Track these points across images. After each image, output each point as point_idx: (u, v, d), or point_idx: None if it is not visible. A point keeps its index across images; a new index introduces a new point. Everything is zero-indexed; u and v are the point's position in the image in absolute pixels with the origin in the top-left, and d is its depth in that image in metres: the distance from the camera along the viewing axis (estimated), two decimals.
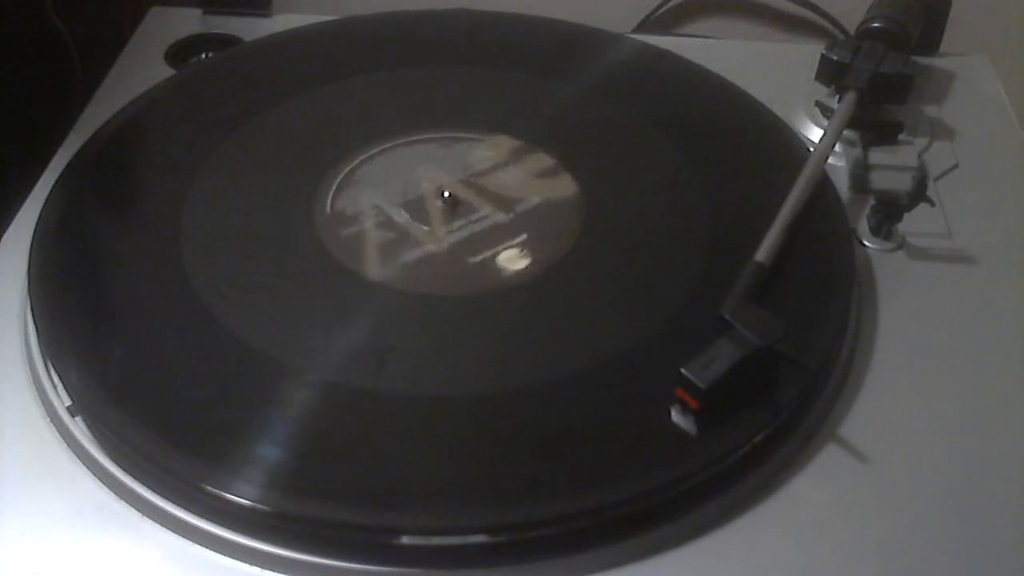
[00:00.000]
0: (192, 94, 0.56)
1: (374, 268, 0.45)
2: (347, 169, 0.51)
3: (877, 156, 0.52)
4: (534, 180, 0.50)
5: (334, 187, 0.50)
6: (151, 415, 0.39)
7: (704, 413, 0.37)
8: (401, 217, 0.48)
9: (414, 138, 0.53)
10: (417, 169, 0.51)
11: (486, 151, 0.52)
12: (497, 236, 0.47)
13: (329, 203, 0.49)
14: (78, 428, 0.40)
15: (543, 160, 0.51)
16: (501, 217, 0.48)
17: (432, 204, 0.49)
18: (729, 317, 0.39)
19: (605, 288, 0.45)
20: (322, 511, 0.36)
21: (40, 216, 0.48)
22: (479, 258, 0.46)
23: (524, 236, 0.47)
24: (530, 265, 0.46)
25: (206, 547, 0.36)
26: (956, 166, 0.53)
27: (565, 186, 0.50)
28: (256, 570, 0.36)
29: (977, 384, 0.42)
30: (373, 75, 0.57)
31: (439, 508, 0.36)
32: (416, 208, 0.49)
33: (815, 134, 0.54)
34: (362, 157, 0.52)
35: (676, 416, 0.38)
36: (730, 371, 0.37)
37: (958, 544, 0.37)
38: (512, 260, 0.46)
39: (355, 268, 0.45)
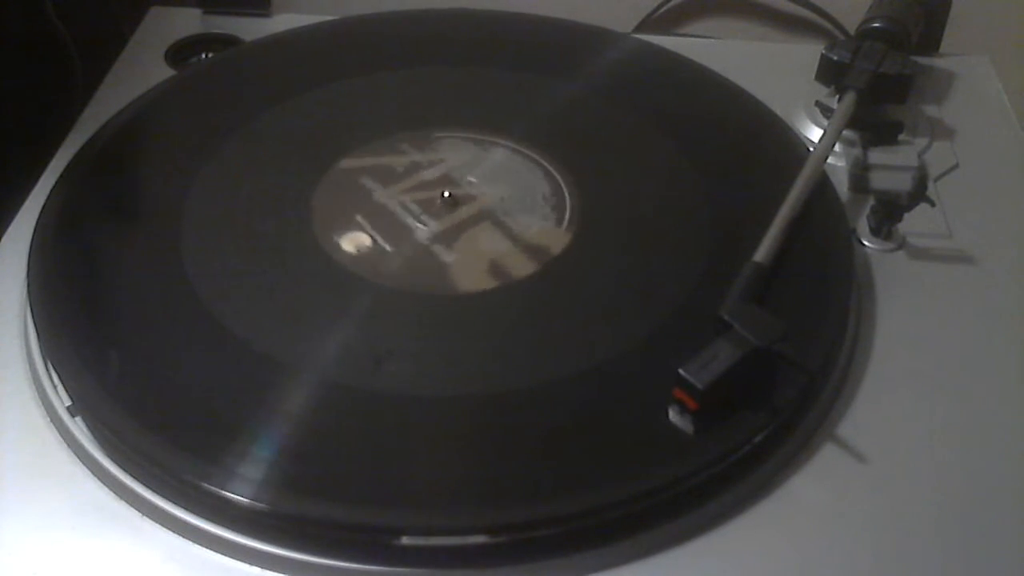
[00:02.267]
0: (192, 94, 0.56)
1: (377, 268, 0.45)
2: (347, 169, 0.51)
3: (877, 156, 0.52)
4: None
5: (334, 187, 0.50)
6: (151, 415, 0.39)
7: (702, 413, 0.37)
8: (403, 217, 0.48)
9: (413, 138, 0.53)
10: (417, 168, 0.51)
11: (478, 150, 0.52)
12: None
13: (329, 203, 0.49)
14: (78, 428, 0.40)
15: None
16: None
17: (433, 205, 0.49)
18: (728, 317, 0.39)
19: (604, 288, 0.45)
20: (322, 511, 0.36)
21: (40, 216, 0.48)
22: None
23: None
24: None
25: (206, 547, 0.36)
26: (956, 166, 0.53)
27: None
28: (256, 570, 0.36)
29: (976, 384, 0.42)
30: (373, 75, 0.57)
31: (439, 508, 0.36)
32: (416, 209, 0.49)
33: (815, 134, 0.54)
34: (362, 156, 0.52)
35: (674, 416, 0.38)
36: (728, 371, 0.37)
37: (957, 544, 0.37)
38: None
39: (355, 268, 0.45)
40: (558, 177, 0.50)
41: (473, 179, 0.50)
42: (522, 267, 0.45)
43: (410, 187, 0.50)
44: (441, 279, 0.45)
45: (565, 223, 0.48)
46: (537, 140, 0.52)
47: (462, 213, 0.49)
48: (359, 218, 0.48)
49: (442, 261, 0.46)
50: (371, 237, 0.47)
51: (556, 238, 0.47)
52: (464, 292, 0.44)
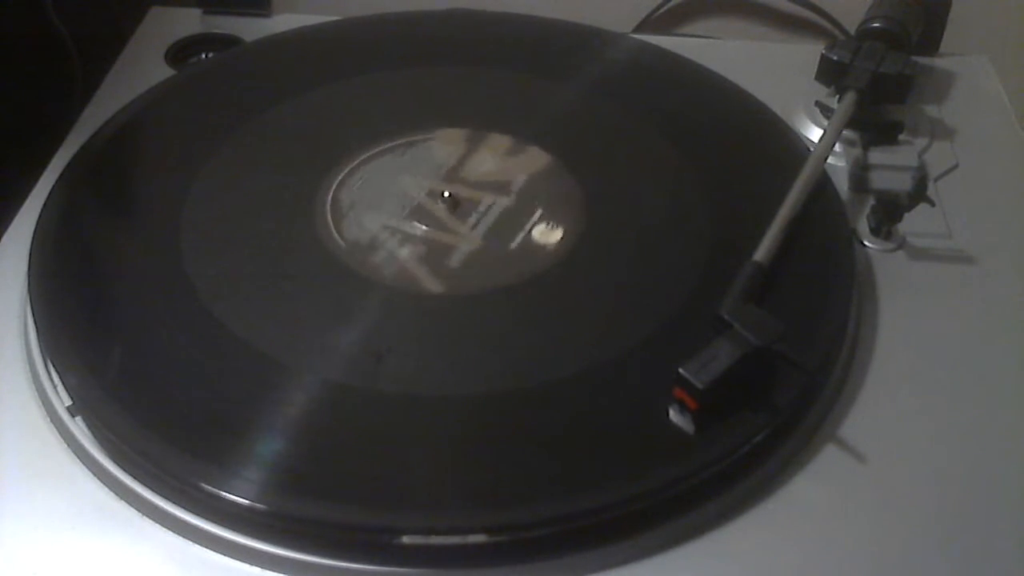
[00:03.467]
0: (192, 94, 0.56)
1: (376, 265, 0.45)
2: (347, 169, 0.51)
3: (877, 156, 0.52)
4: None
5: (334, 187, 0.50)
6: (151, 415, 0.39)
7: (702, 413, 0.37)
8: (404, 215, 0.48)
9: (413, 138, 0.53)
10: (418, 168, 0.51)
11: (478, 150, 0.52)
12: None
13: (329, 203, 0.49)
14: (78, 428, 0.40)
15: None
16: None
17: (433, 204, 0.49)
18: (727, 317, 0.39)
19: (605, 288, 0.45)
20: (322, 511, 0.36)
21: (40, 216, 0.48)
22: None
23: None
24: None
25: (206, 547, 0.36)
26: (956, 166, 0.53)
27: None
28: (256, 570, 0.36)
29: (977, 384, 0.42)
30: (373, 75, 0.57)
31: (439, 508, 0.36)
32: (417, 208, 0.49)
33: (815, 134, 0.54)
34: (362, 156, 0.52)
35: (674, 415, 0.38)
36: (728, 371, 0.37)
37: (957, 544, 0.37)
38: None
39: (356, 268, 0.45)
40: (558, 177, 0.50)
41: (473, 179, 0.50)
42: (522, 267, 0.45)
43: (410, 186, 0.50)
44: (441, 279, 0.45)
45: (565, 223, 0.48)
46: (537, 140, 0.52)
47: (461, 212, 0.48)
48: (359, 216, 0.48)
49: (442, 261, 0.46)
50: (371, 231, 0.47)
51: (556, 238, 0.47)
52: (464, 292, 0.44)
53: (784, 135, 0.53)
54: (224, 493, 0.36)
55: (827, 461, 0.39)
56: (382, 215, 0.48)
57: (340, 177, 0.50)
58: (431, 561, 0.36)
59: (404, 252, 0.46)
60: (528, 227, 0.48)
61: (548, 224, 0.48)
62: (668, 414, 0.38)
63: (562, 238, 0.47)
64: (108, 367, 0.41)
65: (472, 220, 0.48)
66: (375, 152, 0.52)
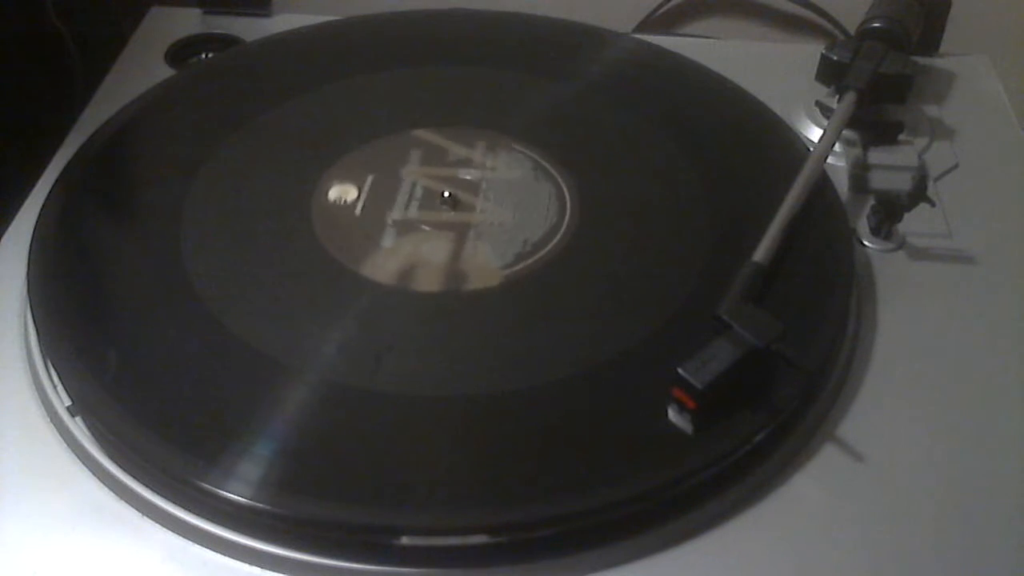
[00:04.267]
0: (192, 94, 0.56)
1: (381, 271, 0.45)
2: (347, 168, 0.51)
3: (877, 156, 0.52)
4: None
5: (334, 187, 0.50)
6: (151, 415, 0.39)
7: (701, 413, 0.37)
8: (404, 218, 0.48)
9: (414, 138, 0.53)
10: (418, 167, 0.51)
11: (478, 150, 0.52)
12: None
13: (329, 203, 0.49)
14: (78, 428, 0.40)
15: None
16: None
17: (434, 204, 0.49)
18: (727, 317, 0.39)
19: (604, 288, 0.45)
20: (322, 511, 0.36)
21: (40, 216, 0.48)
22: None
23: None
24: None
25: (206, 547, 0.36)
26: (956, 166, 0.53)
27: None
28: (256, 570, 0.36)
29: (976, 384, 0.42)
30: (373, 75, 0.57)
31: (439, 508, 0.36)
32: (417, 208, 0.49)
33: (815, 134, 0.54)
34: (362, 156, 0.52)
35: (673, 415, 0.38)
36: (727, 371, 0.37)
37: (957, 544, 0.37)
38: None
39: (356, 268, 0.45)
40: (558, 177, 0.50)
41: (472, 179, 0.50)
42: (521, 267, 0.45)
43: (410, 186, 0.50)
44: (441, 278, 0.45)
45: (564, 223, 0.48)
46: (537, 140, 0.52)
47: (462, 212, 0.48)
48: (359, 217, 0.48)
49: (441, 260, 0.46)
50: (371, 230, 0.47)
51: (555, 237, 0.47)
52: (464, 291, 0.44)
53: (784, 135, 0.53)
54: (224, 493, 0.36)
55: (826, 461, 0.39)
56: (382, 215, 0.48)
57: (340, 177, 0.50)
58: (431, 561, 0.36)
59: (404, 251, 0.46)
60: (528, 226, 0.48)
61: (547, 224, 0.48)
62: (667, 414, 0.38)
63: (562, 238, 0.47)
64: (108, 367, 0.41)
65: (472, 219, 0.48)
66: (375, 152, 0.52)
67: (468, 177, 0.51)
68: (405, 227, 0.48)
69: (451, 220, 0.48)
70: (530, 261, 0.46)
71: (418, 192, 0.50)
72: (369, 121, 0.54)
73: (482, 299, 0.44)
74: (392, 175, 0.51)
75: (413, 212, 0.49)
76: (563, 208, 0.49)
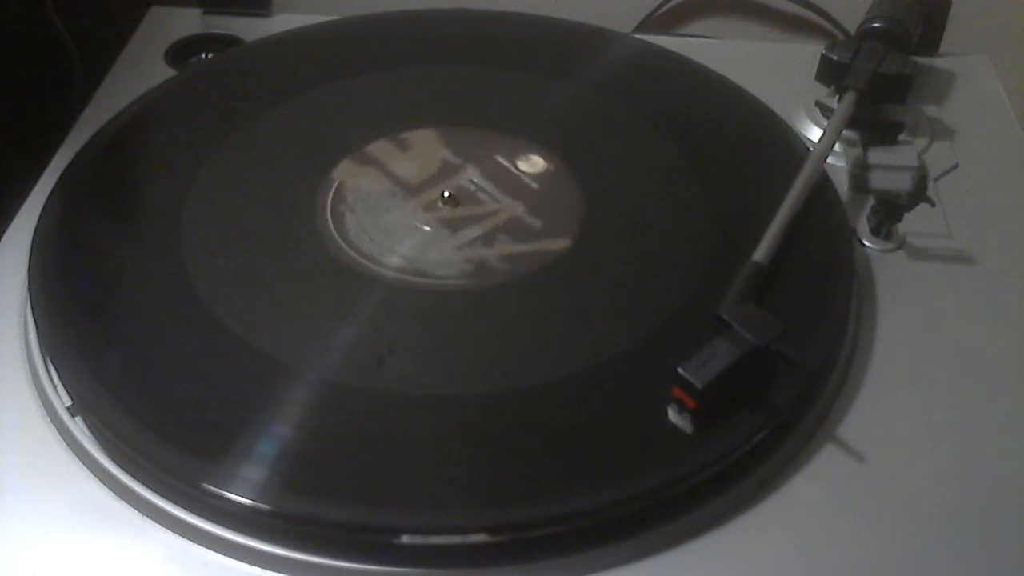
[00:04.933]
0: (192, 94, 0.56)
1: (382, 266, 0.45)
2: (347, 168, 0.51)
3: (877, 156, 0.52)
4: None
5: (334, 186, 0.50)
6: (151, 415, 0.39)
7: (701, 412, 0.37)
8: (404, 218, 0.48)
9: (413, 138, 0.53)
10: (418, 167, 0.51)
11: (478, 150, 0.52)
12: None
13: (329, 203, 0.49)
14: (78, 428, 0.40)
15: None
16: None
17: (434, 203, 0.49)
18: (726, 316, 0.39)
19: (605, 288, 0.45)
20: (322, 511, 0.36)
21: (40, 216, 0.48)
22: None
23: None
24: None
25: (206, 547, 0.36)
26: (956, 166, 0.53)
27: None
28: (256, 570, 0.36)
29: (976, 384, 0.42)
30: (373, 75, 0.57)
31: (439, 508, 0.36)
32: (418, 207, 0.49)
33: (815, 134, 0.54)
34: (362, 156, 0.52)
35: (673, 415, 0.38)
36: (727, 370, 0.37)
37: (957, 544, 0.37)
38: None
39: (357, 267, 0.45)
40: (558, 177, 0.50)
41: (473, 179, 0.50)
42: (521, 266, 0.45)
43: (411, 186, 0.50)
44: (441, 278, 0.45)
45: (564, 222, 0.48)
46: (537, 140, 0.52)
47: (462, 211, 0.49)
48: (361, 211, 0.48)
49: (441, 260, 0.46)
50: (371, 230, 0.47)
51: (556, 237, 0.47)
52: (464, 291, 0.44)
53: (784, 135, 0.53)
54: (224, 493, 0.36)
55: (826, 461, 0.39)
56: (382, 215, 0.48)
57: (340, 177, 0.50)
58: (431, 561, 0.36)
59: (404, 251, 0.46)
60: (528, 226, 0.48)
61: (548, 223, 0.48)
62: (667, 414, 0.38)
63: (562, 238, 0.47)
64: (108, 367, 0.41)
65: (472, 219, 0.48)
66: (375, 152, 0.52)
67: (468, 177, 0.51)
68: (405, 226, 0.48)
69: (451, 219, 0.48)
70: (523, 265, 0.46)
71: (418, 192, 0.50)
72: (369, 121, 0.54)
73: (482, 299, 0.44)
74: (392, 175, 0.51)
75: (413, 212, 0.48)
76: (563, 208, 0.49)
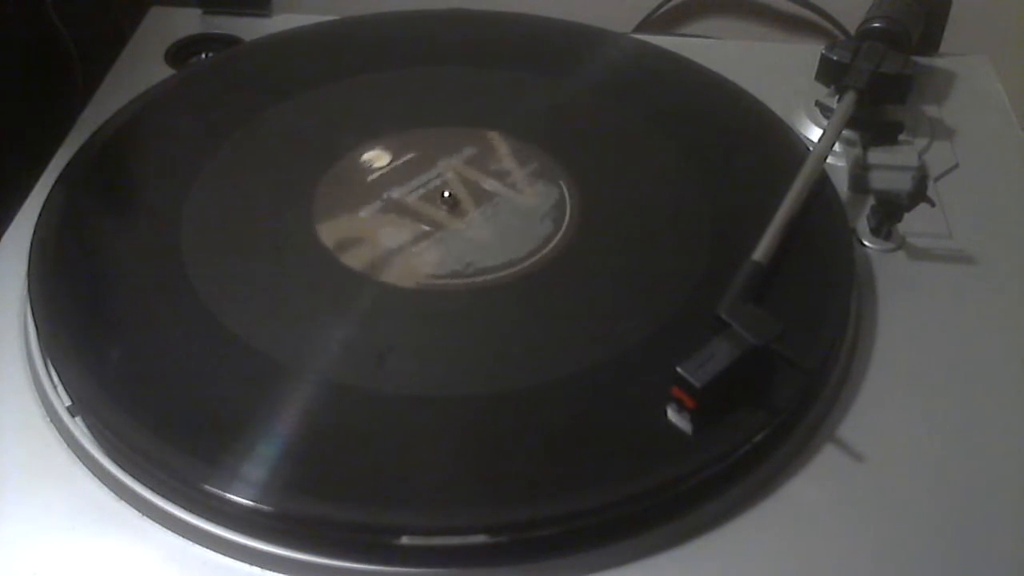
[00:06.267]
0: (192, 94, 0.56)
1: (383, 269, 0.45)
2: (347, 168, 0.51)
3: (877, 156, 0.52)
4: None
5: (334, 187, 0.50)
6: (151, 415, 0.39)
7: (700, 412, 0.37)
8: (404, 219, 0.48)
9: (413, 138, 0.53)
10: (418, 167, 0.51)
11: (478, 150, 0.52)
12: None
13: (329, 203, 0.49)
14: (78, 428, 0.40)
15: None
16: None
17: (434, 203, 0.49)
18: (726, 316, 0.39)
19: (604, 288, 0.45)
20: (322, 511, 0.36)
21: (40, 216, 0.48)
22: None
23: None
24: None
25: (206, 547, 0.36)
26: (956, 166, 0.53)
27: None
28: (256, 570, 0.36)
29: (976, 384, 0.42)
30: (373, 75, 0.57)
31: (439, 508, 0.36)
32: (418, 210, 0.49)
33: (815, 134, 0.54)
34: (362, 156, 0.52)
35: (672, 415, 0.38)
36: (726, 370, 0.37)
37: (956, 544, 0.37)
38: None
39: (356, 267, 0.45)
40: (558, 177, 0.50)
41: (473, 179, 0.50)
42: (521, 266, 0.45)
43: (411, 186, 0.50)
44: (441, 278, 0.45)
45: (565, 223, 0.48)
46: (537, 140, 0.52)
47: (462, 212, 0.48)
48: (360, 217, 0.48)
49: (441, 260, 0.46)
50: (371, 230, 0.47)
51: (556, 237, 0.47)
52: (464, 292, 0.44)
53: (784, 135, 0.53)
54: (224, 493, 0.36)
55: (826, 461, 0.39)
56: (382, 215, 0.48)
57: (340, 177, 0.50)
58: (431, 561, 0.36)
59: (404, 251, 0.46)
60: (528, 226, 0.48)
61: (548, 224, 0.48)
62: (666, 413, 0.38)
63: (562, 238, 0.47)
64: (108, 367, 0.41)
65: (472, 219, 0.48)
66: (375, 152, 0.52)
67: (468, 177, 0.50)
68: (405, 226, 0.48)
69: (451, 219, 0.48)
70: (523, 265, 0.45)
71: (418, 192, 0.50)
72: (369, 121, 0.54)
73: (482, 299, 0.44)
74: (391, 175, 0.50)
75: (413, 212, 0.48)
76: (563, 207, 0.49)
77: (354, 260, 0.46)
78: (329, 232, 0.47)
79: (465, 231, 0.47)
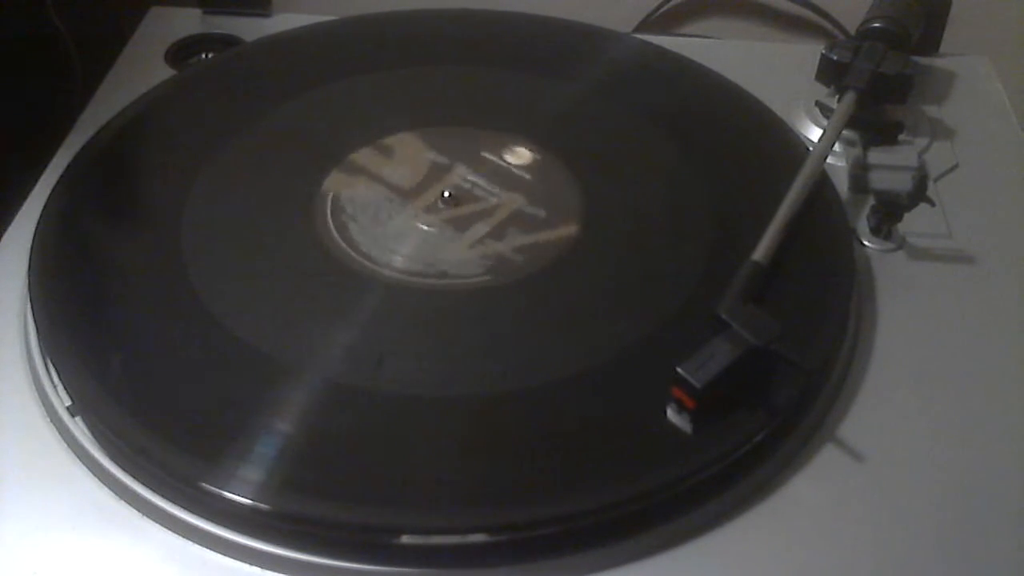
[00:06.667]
0: (192, 94, 0.56)
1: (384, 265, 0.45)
2: (347, 168, 0.51)
3: (877, 156, 0.52)
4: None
5: (334, 187, 0.50)
6: (151, 415, 0.39)
7: (700, 412, 0.37)
8: (404, 218, 0.48)
9: (413, 138, 0.53)
10: (418, 167, 0.51)
11: (478, 150, 0.52)
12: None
13: (329, 203, 0.49)
14: (78, 428, 0.40)
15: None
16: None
17: (433, 203, 0.49)
18: (725, 316, 0.39)
19: (604, 287, 0.45)
20: (322, 511, 0.36)
21: (40, 216, 0.48)
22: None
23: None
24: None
25: (206, 547, 0.36)
26: (956, 166, 0.53)
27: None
28: (256, 570, 0.36)
29: (976, 384, 0.42)
30: (373, 75, 0.57)
31: (439, 508, 0.36)
32: (418, 207, 0.49)
33: (815, 134, 0.54)
34: (362, 156, 0.52)
35: (672, 415, 0.38)
36: (726, 370, 0.37)
37: (956, 544, 0.37)
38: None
39: (356, 267, 0.45)
40: (558, 177, 0.50)
41: (472, 178, 0.50)
42: (521, 266, 0.45)
43: (411, 185, 0.50)
44: (441, 278, 0.45)
45: (565, 223, 0.48)
46: (537, 140, 0.52)
47: (462, 211, 0.49)
48: (361, 212, 0.48)
49: (441, 260, 0.46)
50: (371, 230, 0.47)
51: (556, 237, 0.47)
52: (464, 292, 0.44)
53: (784, 135, 0.53)
54: (224, 493, 0.36)
55: (826, 461, 0.39)
56: (382, 215, 0.48)
57: (340, 177, 0.50)
58: (431, 561, 0.36)
59: (404, 251, 0.46)
60: (528, 227, 0.48)
61: (548, 223, 0.48)
62: (666, 414, 0.38)
63: (562, 238, 0.47)
64: (108, 367, 0.41)
65: (472, 219, 0.48)
66: (375, 152, 0.52)
67: (468, 177, 0.51)
68: (405, 226, 0.48)
69: (451, 219, 0.48)
70: (530, 260, 0.46)
71: (418, 192, 0.50)
72: (369, 121, 0.54)
73: (482, 299, 0.44)
74: (391, 175, 0.51)
75: (413, 212, 0.48)
76: (563, 208, 0.49)
77: (353, 260, 0.46)
78: (328, 231, 0.47)
79: (464, 231, 0.47)
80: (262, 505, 0.36)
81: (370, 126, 0.53)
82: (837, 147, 0.52)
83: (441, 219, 0.48)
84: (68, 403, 0.40)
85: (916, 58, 0.55)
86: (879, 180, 0.51)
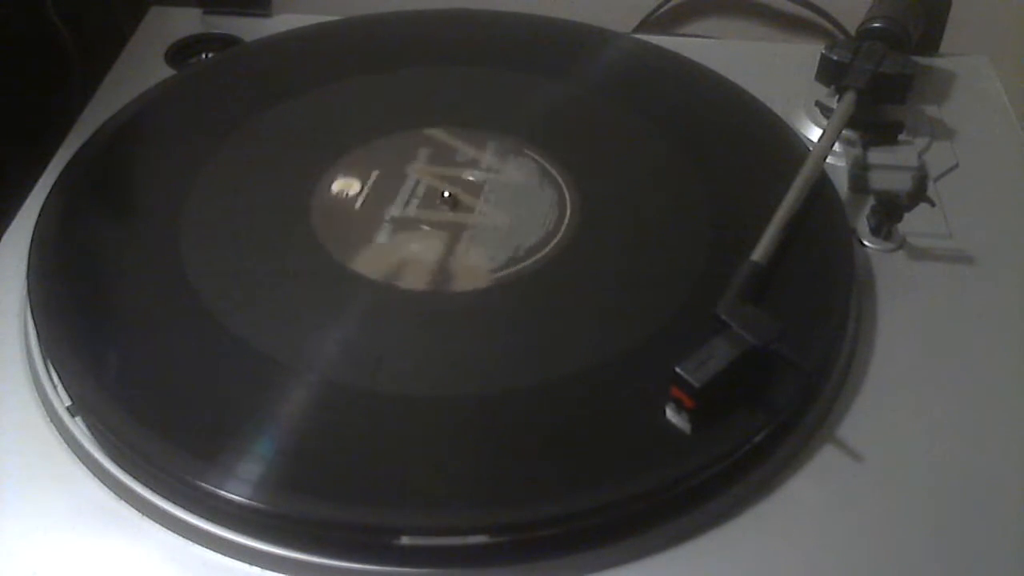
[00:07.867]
0: (192, 94, 0.56)
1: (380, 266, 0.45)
2: (346, 168, 0.51)
3: (877, 156, 0.52)
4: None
5: (334, 186, 0.50)
6: (151, 415, 0.39)
7: (699, 412, 0.37)
8: (403, 219, 0.48)
9: (412, 138, 0.53)
10: (418, 167, 0.51)
11: (477, 150, 0.52)
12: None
13: (329, 203, 0.49)
14: (78, 428, 0.40)
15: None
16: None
17: (433, 203, 0.49)
18: (724, 316, 0.39)
19: (604, 288, 0.45)
20: (322, 511, 0.36)
21: (40, 216, 0.48)
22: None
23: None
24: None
25: (206, 547, 0.36)
26: (956, 166, 0.53)
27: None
28: (256, 570, 0.36)
29: (976, 384, 0.42)
30: (373, 75, 0.57)
31: (439, 508, 0.36)
32: (417, 207, 0.49)
33: (815, 134, 0.54)
34: (362, 156, 0.52)
35: (671, 414, 0.38)
36: (725, 370, 0.37)
37: (956, 544, 0.37)
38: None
39: (354, 267, 0.45)
40: (558, 177, 0.50)
41: (473, 179, 0.50)
42: (520, 266, 0.45)
43: (410, 186, 0.50)
44: (441, 278, 0.45)
45: (564, 223, 0.48)
46: (537, 140, 0.52)
47: (462, 211, 0.49)
48: (360, 216, 0.48)
49: (441, 260, 0.46)
50: (371, 231, 0.47)
51: (555, 238, 0.47)
52: (463, 291, 0.44)
53: (784, 135, 0.53)
54: (224, 493, 0.36)
55: (826, 461, 0.39)
56: (382, 214, 0.48)
57: (340, 177, 0.50)
58: (431, 561, 0.36)
59: (404, 252, 0.46)
60: (527, 226, 0.48)
61: (547, 223, 0.48)
62: (665, 413, 0.38)
63: (562, 238, 0.47)
64: (108, 367, 0.41)
65: (472, 219, 0.48)
66: (375, 152, 0.52)
67: (468, 177, 0.51)
68: (405, 227, 0.48)
69: (451, 219, 0.48)
70: (522, 265, 0.45)
71: (417, 192, 0.50)
72: (368, 121, 0.54)
73: (481, 299, 0.44)
74: (391, 175, 0.51)
75: (413, 212, 0.49)
76: (563, 207, 0.49)
77: (353, 260, 0.46)
78: (328, 231, 0.47)
79: (463, 231, 0.47)
80: (262, 505, 0.36)
81: (370, 126, 0.53)
82: (837, 147, 0.52)
83: (441, 219, 0.48)
84: (68, 403, 0.40)
85: (916, 58, 0.55)
86: (879, 180, 0.51)
